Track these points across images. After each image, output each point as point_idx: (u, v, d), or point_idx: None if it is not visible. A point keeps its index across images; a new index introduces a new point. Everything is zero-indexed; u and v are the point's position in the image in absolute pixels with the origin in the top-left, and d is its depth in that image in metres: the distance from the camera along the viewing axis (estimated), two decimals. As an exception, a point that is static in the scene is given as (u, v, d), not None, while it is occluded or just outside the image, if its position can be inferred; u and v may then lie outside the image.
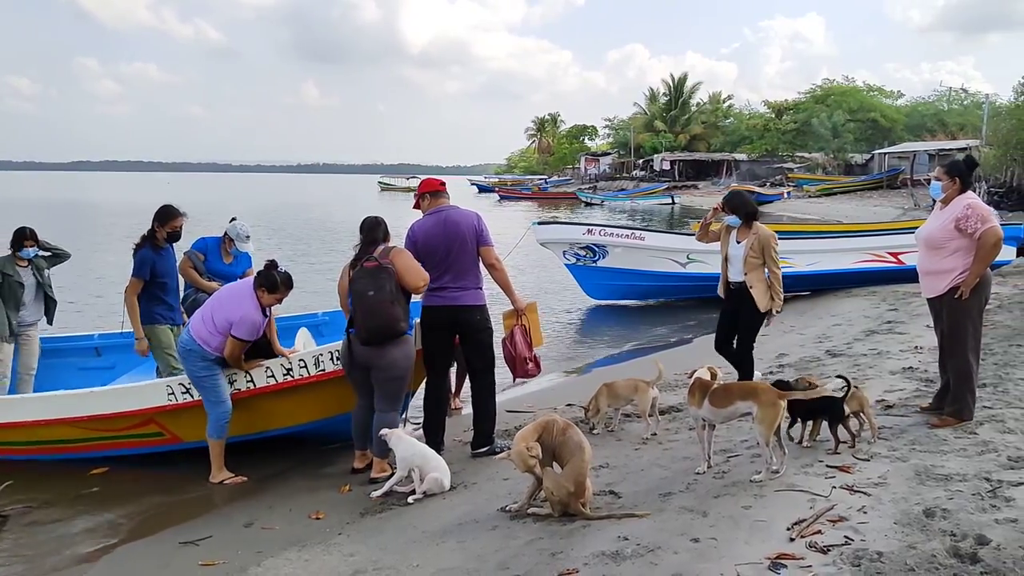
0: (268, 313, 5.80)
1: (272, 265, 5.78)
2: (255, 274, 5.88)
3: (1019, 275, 12.82)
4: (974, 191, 5.65)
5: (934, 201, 5.68)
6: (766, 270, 6.16)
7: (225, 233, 7.41)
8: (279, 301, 5.83)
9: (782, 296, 6.23)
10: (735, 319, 6.34)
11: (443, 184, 5.96)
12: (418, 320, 5.69)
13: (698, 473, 4.83)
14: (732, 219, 6.25)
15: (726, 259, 6.32)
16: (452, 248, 5.65)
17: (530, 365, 5.97)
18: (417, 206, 5.95)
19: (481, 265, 5.84)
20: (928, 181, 33.06)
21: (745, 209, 6.25)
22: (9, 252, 7.16)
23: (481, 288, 5.80)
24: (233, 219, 7.43)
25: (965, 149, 41.04)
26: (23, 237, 7.16)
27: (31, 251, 7.17)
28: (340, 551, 4.38)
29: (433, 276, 5.57)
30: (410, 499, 5.04)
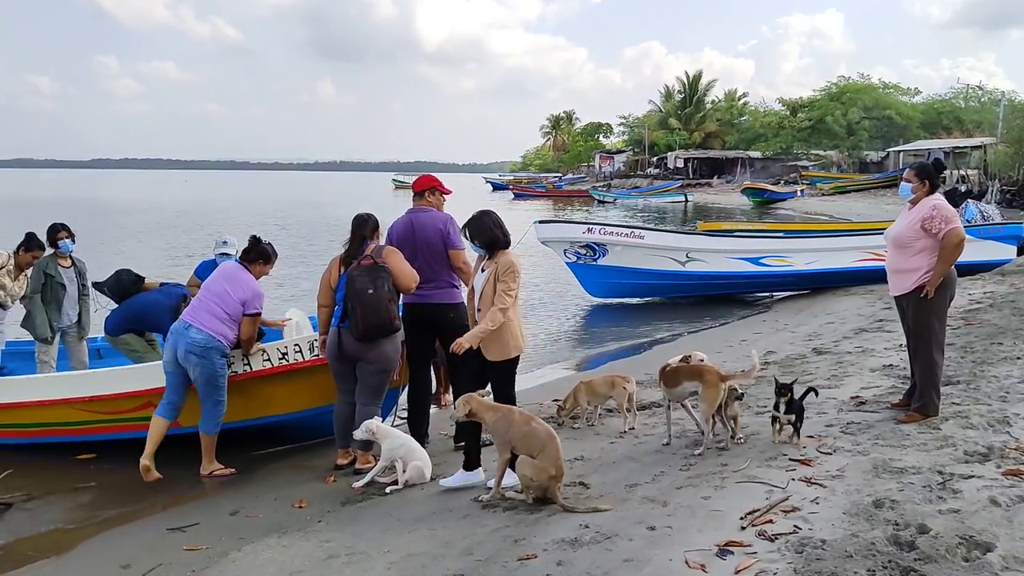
0: None
1: (257, 240, 6.05)
2: (243, 251, 6.09)
3: (1018, 274, 12.88)
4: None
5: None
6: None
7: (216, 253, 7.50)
8: (267, 273, 6.16)
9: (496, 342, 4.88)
10: (485, 365, 5.07)
11: (423, 186, 6.13)
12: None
13: (665, 444, 5.36)
14: (478, 248, 5.16)
15: (472, 292, 5.27)
16: (418, 250, 5.87)
17: None
18: None
19: None
20: (944, 179, 33.07)
21: (482, 237, 5.06)
22: (51, 252, 7.26)
23: (456, 287, 5.97)
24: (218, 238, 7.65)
25: (980, 147, 40.84)
26: (56, 232, 7.22)
27: (68, 244, 7.28)
28: (318, 537, 4.58)
29: None
30: (388, 489, 5.23)
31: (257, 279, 6.00)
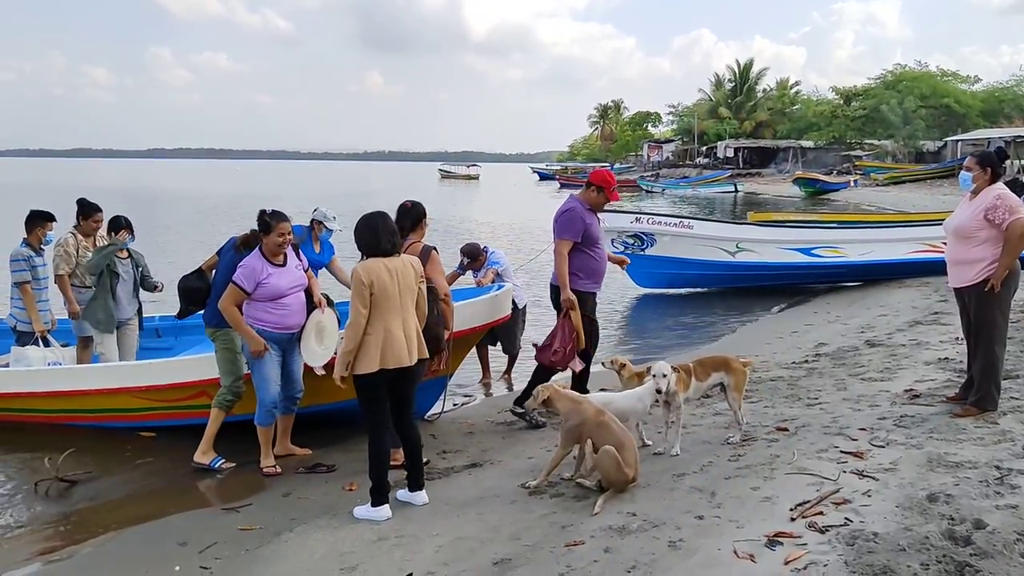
0: (300, 263, 5.87)
1: (262, 212, 5.70)
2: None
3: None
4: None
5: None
6: None
7: (312, 220, 7.38)
8: (283, 237, 5.64)
9: None
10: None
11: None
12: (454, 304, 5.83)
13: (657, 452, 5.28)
14: None
15: None
16: None
17: (557, 357, 6.05)
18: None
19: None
20: (1005, 169, 32.07)
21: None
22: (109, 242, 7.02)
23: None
24: (316, 208, 7.49)
25: (1043, 136, 39.53)
26: (118, 229, 6.99)
27: (128, 240, 7.08)
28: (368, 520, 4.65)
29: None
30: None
31: (272, 247, 5.63)
